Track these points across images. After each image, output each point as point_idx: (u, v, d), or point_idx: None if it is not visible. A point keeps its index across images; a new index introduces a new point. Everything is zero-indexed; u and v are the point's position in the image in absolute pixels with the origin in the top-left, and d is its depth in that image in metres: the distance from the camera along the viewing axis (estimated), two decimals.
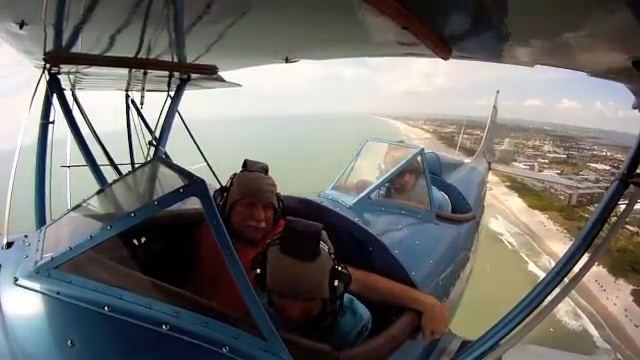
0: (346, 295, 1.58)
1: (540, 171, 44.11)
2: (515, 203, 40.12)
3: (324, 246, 1.46)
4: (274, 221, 1.99)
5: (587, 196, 36.39)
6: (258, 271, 1.43)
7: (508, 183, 42.29)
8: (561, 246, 26.79)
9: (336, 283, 1.43)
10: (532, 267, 26.68)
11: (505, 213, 37.17)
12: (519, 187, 42.77)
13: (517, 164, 44.09)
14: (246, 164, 2.07)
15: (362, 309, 1.68)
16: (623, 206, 1.78)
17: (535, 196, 41.49)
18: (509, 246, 30.88)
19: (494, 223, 32.70)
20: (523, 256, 29.14)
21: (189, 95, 3.65)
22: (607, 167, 45.49)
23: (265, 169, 2.06)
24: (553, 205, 38.97)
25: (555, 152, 56.01)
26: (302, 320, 1.46)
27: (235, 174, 2.04)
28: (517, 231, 34.15)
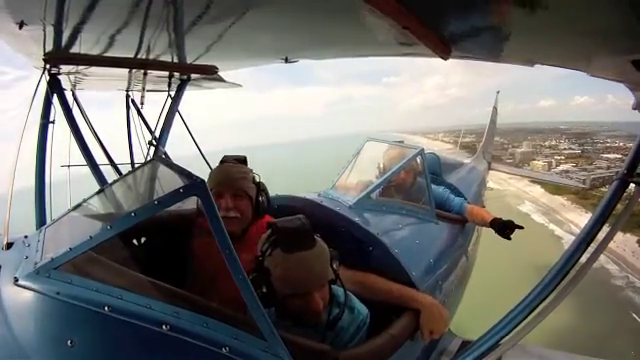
0: (341, 291, 1.58)
1: (557, 166, 51.60)
2: (537, 192, 46.31)
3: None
4: (257, 212, 1.93)
5: (599, 179, 43.12)
6: (264, 290, 1.41)
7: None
8: (578, 216, 35.29)
9: (334, 264, 1.49)
10: (558, 231, 34.05)
11: (530, 200, 44.63)
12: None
13: (536, 162, 51.75)
14: (224, 160, 2.06)
15: (359, 305, 1.68)
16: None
17: (554, 185, 45.48)
18: (539, 220, 38.09)
19: (522, 207, 41.41)
20: (551, 225, 36.71)
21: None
22: (618, 155, 51.04)
23: (240, 160, 2.03)
24: (570, 190, 43.99)
25: (570, 149, 60.22)
26: (321, 312, 1.47)
27: None
28: (542, 210, 41.75)
